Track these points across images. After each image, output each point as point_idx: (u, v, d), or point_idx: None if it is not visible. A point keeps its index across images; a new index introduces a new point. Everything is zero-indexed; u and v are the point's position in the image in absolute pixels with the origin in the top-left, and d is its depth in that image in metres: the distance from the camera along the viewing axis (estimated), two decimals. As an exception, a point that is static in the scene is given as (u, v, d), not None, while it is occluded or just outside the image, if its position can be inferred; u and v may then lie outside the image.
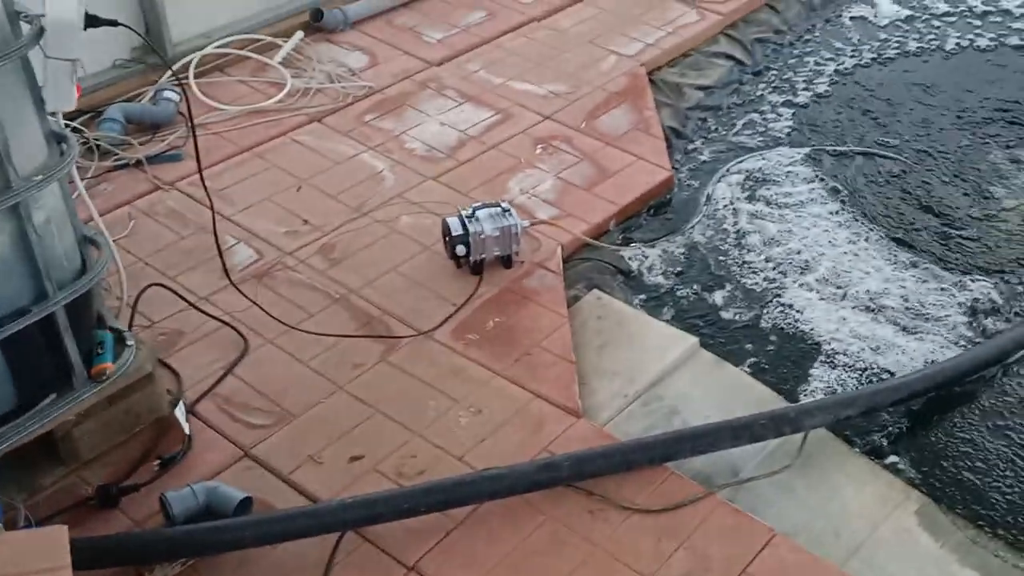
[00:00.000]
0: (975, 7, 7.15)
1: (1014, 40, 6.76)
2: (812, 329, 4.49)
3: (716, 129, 5.80)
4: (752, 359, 4.34)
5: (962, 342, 4.43)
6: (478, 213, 4.34)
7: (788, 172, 5.45)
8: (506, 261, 4.45)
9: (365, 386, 3.90)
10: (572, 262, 4.66)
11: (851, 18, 7.00)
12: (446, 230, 4.36)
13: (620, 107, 5.57)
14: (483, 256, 4.36)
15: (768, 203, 5.22)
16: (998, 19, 7.02)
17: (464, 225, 4.31)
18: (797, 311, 4.59)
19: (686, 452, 3.68)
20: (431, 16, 6.27)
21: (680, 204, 5.20)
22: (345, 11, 6.08)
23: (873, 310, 4.60)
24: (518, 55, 5.95)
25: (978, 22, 6.99)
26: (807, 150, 5.63)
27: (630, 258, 4.80)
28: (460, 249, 4.32)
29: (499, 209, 4.39)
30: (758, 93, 6.13)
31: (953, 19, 7.03)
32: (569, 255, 4.66)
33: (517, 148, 5.21)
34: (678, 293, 4.67)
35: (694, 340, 4.26)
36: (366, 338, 4.09)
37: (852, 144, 5.71)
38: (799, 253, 4.90)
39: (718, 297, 4.66)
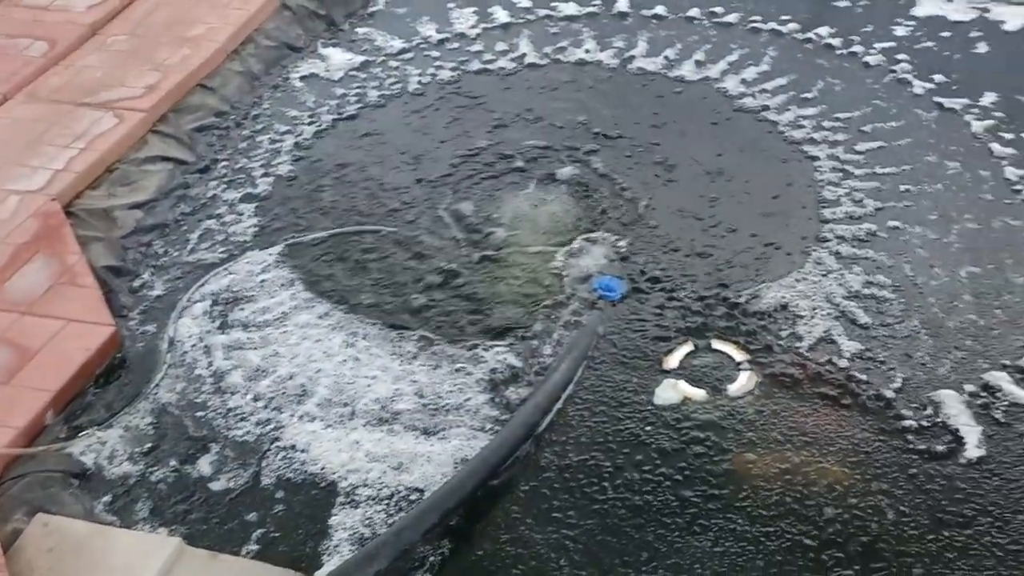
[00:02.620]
0: (429, 37, 7.40)
1: (474, 65, 7.05)
2: (323, 468, 4.23)
3: (166, 252, 5.39)
4: (259, 531, 3.99)
5: (489, 426, 4.39)
6: None
7: (262, 281, 5.18)
8: (-100, 521, 3.72)
9: None
10: (4, 486, 4.02)
11: (301, 78, 6.95)
12: None
13: (34, 260, 4.98)
14: None
15: (246, 327, 4.91)
16: (455, 45, 7.31)
17: None
18: (302, 451, 4.30)
19: None
20: None
21: (137, 360, 4.73)
22: None
23: (387, 421, 4.43)
24: None
25: (436, 52, 7.22)
26: (279, 248, 5.40)
27: (83, 452, 4.26)
28: None
29: None
30: (210, 194, 5.81)
31: (410, 55, 7.21)
32: (-4, 478, 4.03)
33: None
34: (152, 478, 4.20)
35: (176, 540, 3.81)
36: None
37: (329, 227, 5.56)
38: (292, 378, 4.63)
39: (204, 466, 4.25)
